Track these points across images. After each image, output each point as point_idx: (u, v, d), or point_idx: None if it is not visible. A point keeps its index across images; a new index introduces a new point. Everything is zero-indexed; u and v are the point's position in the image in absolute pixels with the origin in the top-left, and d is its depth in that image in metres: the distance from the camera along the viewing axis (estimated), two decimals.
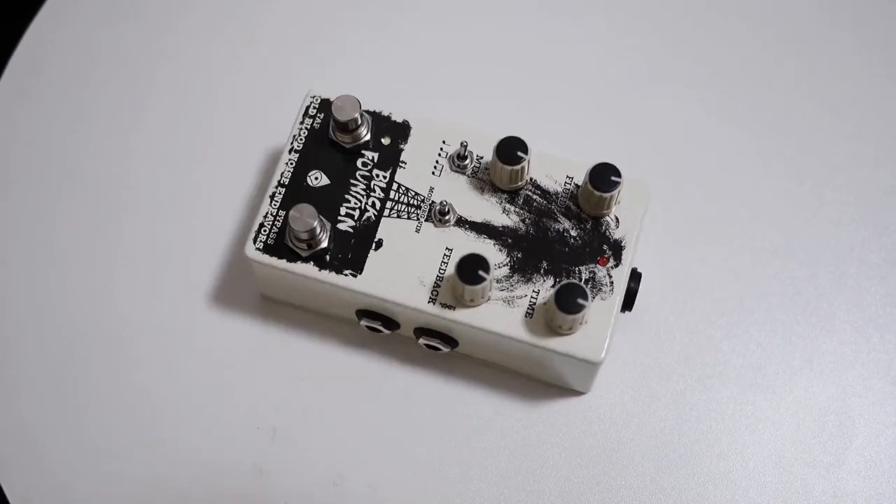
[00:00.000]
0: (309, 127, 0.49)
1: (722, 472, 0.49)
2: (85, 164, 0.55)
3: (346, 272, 0.47)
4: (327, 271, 0.47)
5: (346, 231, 0.48)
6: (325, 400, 0.50)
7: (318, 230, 0.46)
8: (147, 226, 0.53)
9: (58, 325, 0.52)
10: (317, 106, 0.50)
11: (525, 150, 0.47)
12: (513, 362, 0.49)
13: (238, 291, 0.52)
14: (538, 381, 0.50)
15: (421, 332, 0.48)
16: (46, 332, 0.51)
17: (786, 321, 0.52)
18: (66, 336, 0.51)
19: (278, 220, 0.48)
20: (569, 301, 0.45)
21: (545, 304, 0.46)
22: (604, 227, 0.48)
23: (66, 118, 0.56)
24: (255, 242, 0.47)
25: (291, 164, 0.49)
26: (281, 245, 0.47)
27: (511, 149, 0.47)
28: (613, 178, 0.46)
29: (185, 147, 0.55)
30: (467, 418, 0.50)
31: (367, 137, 0.49)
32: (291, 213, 0.46)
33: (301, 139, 0.49)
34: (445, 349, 0.48)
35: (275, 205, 0.48)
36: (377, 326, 0.49)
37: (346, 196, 0.48)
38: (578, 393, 0.50)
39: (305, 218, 0.46)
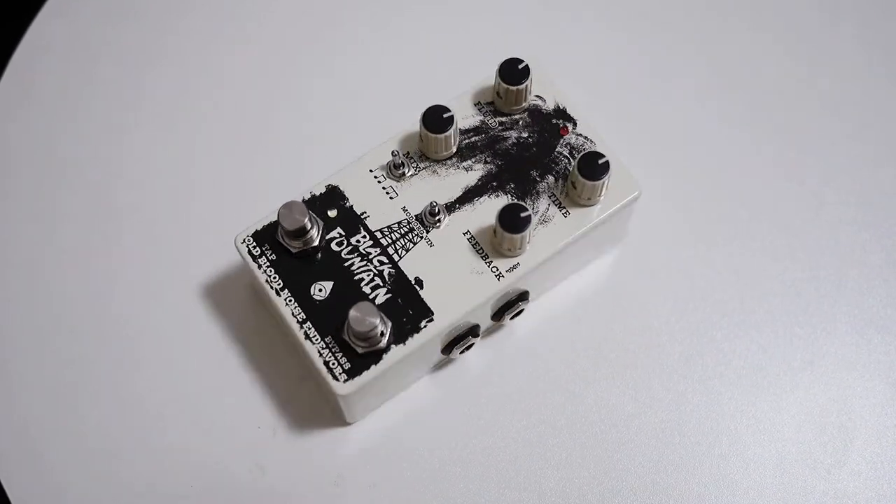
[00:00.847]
0: (268, 261, 0.47)
1: (723, 473, 0.49)
2: (85, 163, 0.55)
3: (423, 324, 0.46)
4: (411, 338, 0.46)
5: (388, 299, 0.47)
6: (326, 400, 0.50)
7: (377, 318, 0.45)
8: (147, 225, 0.53)
9: (58, 325, 0.52)
10: (252, 241, 0.48)
11: (450, 113, 0.47)
12: (578, 263, 0.51)
13: (236, 289, 0.52)
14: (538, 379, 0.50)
15: (499, 314, 0.49)
16: (46, 332, 0.51)
17: (787, 322, 0.52)
18: (66, 336, 0.51)
19: (333, 345, 0.46)
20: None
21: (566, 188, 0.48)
22: (538, 110, 0.49)
23: (67, 117, 0.56)
24: (338, 379, 0.45)
25: (290, 301, 0.47)
26: (356, 359, 0.46)
27: (437, 117, 0.48)
28: (520, 68, 0.48)
29: (185, 148, 0.55)
30: (468, 418, 0.50)
31: (316, 233, 0.47)
32: (351, 316, 0.44)
33: (274, 277, 0.47)
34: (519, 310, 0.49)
35: (317, 339, 0.46)
36: (469, 343, 0.48)
37: (357, 277, 0.47)
38: (580, 394, 0.50)
39: (366, 317, 0.45)
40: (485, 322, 0.49)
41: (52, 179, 0.54)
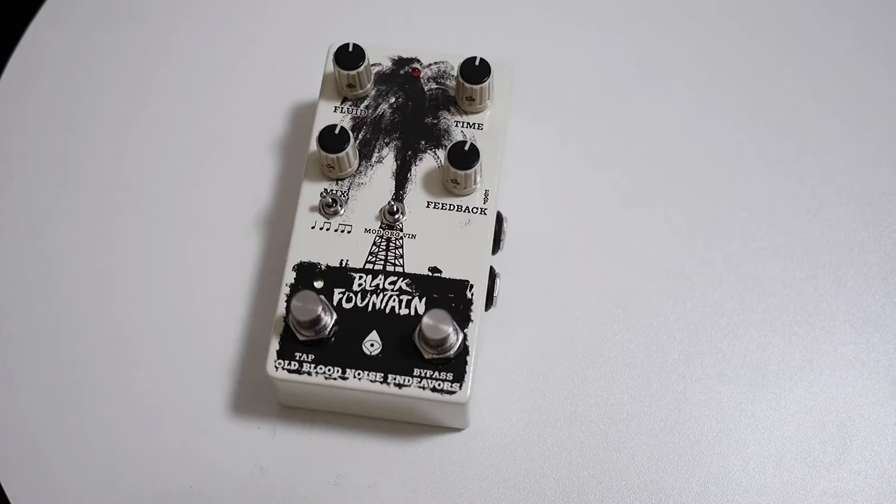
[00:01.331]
0: (312, 364, 0.46)
1: (722, 472, 0.49)
2: (85, 164, 0.55)
3: (469, 294, 0.47)
4: (472, 313, 0.47)
5: (425, 301, 0.47)
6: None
7: (450, 328, 0.45)
8: (148, 225, 0.54)
9: (58, 325, 0.52)
10: (283, 361, 0.46)
11: (338, 125, 0.48)
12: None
13: (231, 280, 0.52)
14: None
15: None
16: (46, 333, 0.51)
17: (786, 321, 0.52)
18: (66, 336, 0.51)
19: (425, 373, 0.46)
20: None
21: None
22: (383, 74, 0.51)
23: (66, 118, 0.56)
24: (454, 391, 0.46)
25: (360, 375, 0.46)
26: (451, 365, 0.46)
27: (332, 137, 0.48)
28: (353, 52, 0.49)
29: (185, 149, 0.55)
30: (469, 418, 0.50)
31: (320, 310, 0.46)
32: (425, 326, 0.45)
33: (330, 371, 0.46)
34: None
35: (410, 381, 0.46)
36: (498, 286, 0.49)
37: (388, 309, 0.47)
38: (579, 393, 0.50)
39: (438, 325, 0.45)
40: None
41: (53, 180, 0.55)
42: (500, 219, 0.50)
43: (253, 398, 0.50)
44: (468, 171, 0.48)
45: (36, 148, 0.55)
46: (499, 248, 0.49)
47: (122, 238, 0.53)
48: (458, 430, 0.49)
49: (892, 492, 0.49)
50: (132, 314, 0.52)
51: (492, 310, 0.49)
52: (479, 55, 0.49)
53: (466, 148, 0.48)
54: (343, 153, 0.48)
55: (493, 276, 0.48)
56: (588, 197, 0.54)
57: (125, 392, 0.50)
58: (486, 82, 0.49)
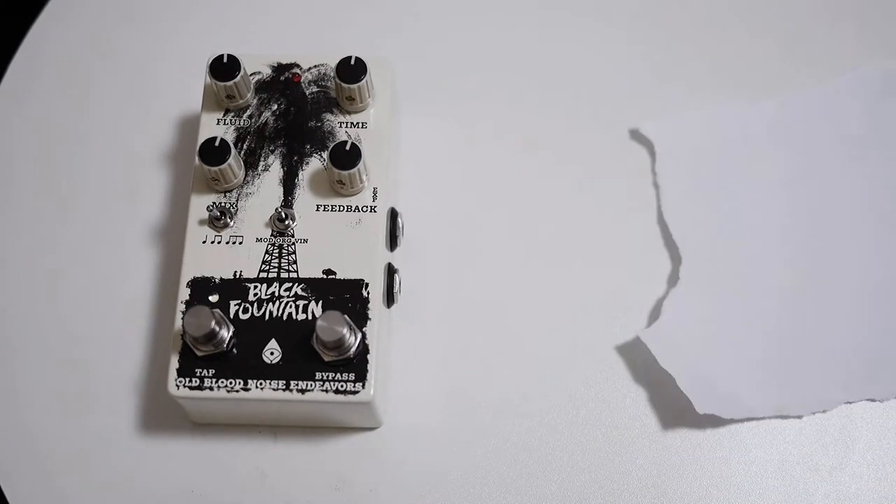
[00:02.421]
0: (212, 379, 0.46)
1: (724, 475, 0.49)
2: (85, 164, 0.55)
3: (365, 292, 0.47)
4: (370, 311, 0.47)
5: (322, 304, 0.47)
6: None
7: (345, 328, 0.45)
8: (149, 224, 0.53)
9: (59, 326, 0.52)
10: (184, 380, 0.46)
11: (219, 137, 0.48)
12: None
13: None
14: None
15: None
16: (47, 333, 0.52)
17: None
18: (66, 335, 0.51)
19: (326, 376, 0.46)
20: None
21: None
22: (263, 82, 0.51)
23: (68, 119, 0.56)
24: (357, 392, 0.45)
25: (262, 385, 0.46)
26: (352, 365, 0.46)
27: (212, 150, 0.48)
28: (227, 63, 0.49)
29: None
30: (468, 423, 0.50)
31: (213, 324, 0.45)
32: (319, 328, 0.44)
33: (231, 384, 0.46)
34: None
35: (312, 385, 0.46)
36: (398, 281, 0.49)
37: (285, 315, 0.47)
38: (580, 397, 0.50)
39: (333, 326, 0.45)
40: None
41: (53, 180, 0.55)
42: (394, 215, 0.50)
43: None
44: (352, 171, 0.47)
45: (36, 149, 0.55)
46: (396, 244, 0.50)
47: (124, 238, 0.53)
48: (371, 429, 0.49)
49: (894, 496, 0.49)
50: (133, 315, 0.52)
51: (396, 306, 0.49)
52: (359, 54, 0.49)
53: (348, 148, 0.47)
54: (225, 165, 0.48)
55: (391, 272, 0.48)
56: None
57: (126, 392, 0.50)
58: (364, 80, 0.49)
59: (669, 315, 0.50)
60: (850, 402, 0.50)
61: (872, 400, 0.50)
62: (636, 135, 0.55)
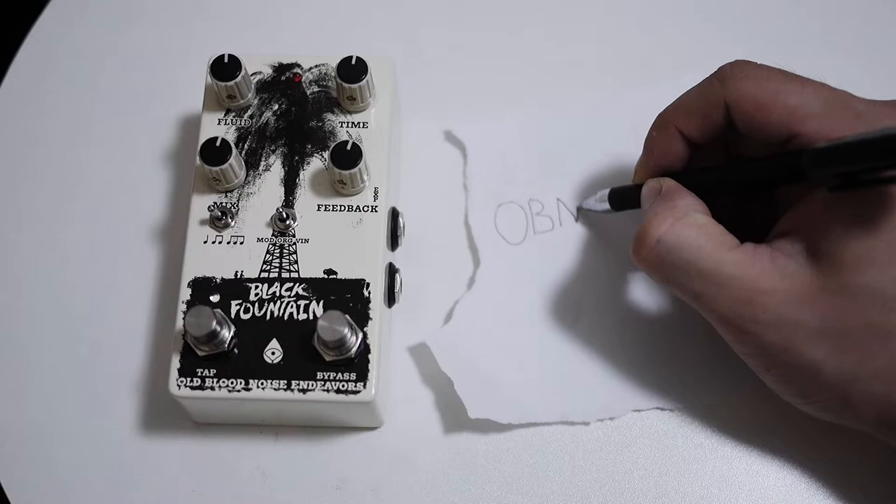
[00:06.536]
0: (215, 378, 0.46)
1: (726, 475, 0.49)
2: (85, 164, 0.55)
3: (366, 292, 0.47)
4: (371, 309, 0.47)
5: (323, 304, 0.47)
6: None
7: (345, 328, 0.45)
8: (149, 224, 0.54)
9: (60, 326, 0.52)
10: (185, 379, 0.46)
11: (220, 137, 0.48)
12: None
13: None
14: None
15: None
16: (48, 333, 0.52)
17: None
18: (68, 335, 0.52)
19: (326, 377, 0.46)
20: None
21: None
22: (264, 82, 0.51)
23: (69, 119, 0.56)
24: (358, 391, 0.45)
25: (263, 385, 0.46)
26: (353, 365, 0.46)
27: (213, 150, 0.48)
28: (228, 63, 0.49)
29: (185, 148, 0.55)
30: (469, 423, 0.50)
31: (214, 324, 0.45)
32: (321, 329, 0.44)
33: (233, 384, 0.46)
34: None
35: (313, 385, 0.46)
36: (399, 281, 0.49)
37: (286, 315, 0.47)
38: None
39: (334, 326, 0.45)
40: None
41: (54, 180, 0.55)
42: (395, 214, 0.50)
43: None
44: (353, 171, 0.47)
45: (37, 149, 0.55)
46: (397, 243, 0.50)
47: (125, 239, 0.53)
48: (372, 429, 0.49)
49: None
50: (134, 316, 0.52)
51: (397, 306, 0.49)
52: (360, 54, 0.49)
53: (348, 147, 0.47)
54: (226, 165, 0.48)
55: (392, 272, 0.49)
56: None
57: (126, 392, 0.50)
58: (364, 80, 0.49)
59: (459, 318, 0.51)
60: (639, 410, 0.50)
61: (661, 409, 0.50)
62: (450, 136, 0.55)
